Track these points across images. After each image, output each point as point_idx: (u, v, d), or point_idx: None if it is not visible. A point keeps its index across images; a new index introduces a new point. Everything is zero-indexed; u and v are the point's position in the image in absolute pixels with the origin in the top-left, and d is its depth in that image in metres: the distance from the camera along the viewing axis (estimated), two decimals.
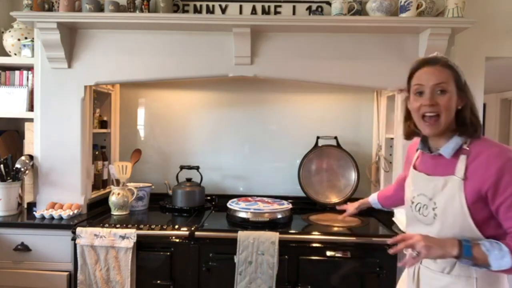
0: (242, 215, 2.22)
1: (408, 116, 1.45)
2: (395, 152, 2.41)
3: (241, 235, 1.98)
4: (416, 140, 1.49)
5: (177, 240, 2.05)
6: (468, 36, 2.56)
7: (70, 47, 2.35)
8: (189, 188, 2.54)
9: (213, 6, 2.43)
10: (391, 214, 2.32)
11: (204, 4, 2.43)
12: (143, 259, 2.05)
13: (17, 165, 2.35)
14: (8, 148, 2.58)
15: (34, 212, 2.27)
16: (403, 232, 2.05)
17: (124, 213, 2.40)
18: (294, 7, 2.42)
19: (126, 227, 2.08)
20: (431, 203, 1.37)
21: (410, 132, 1.47)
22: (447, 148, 1.34)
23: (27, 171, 2.40)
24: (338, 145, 2.69)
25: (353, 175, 2.66)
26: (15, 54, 2.55)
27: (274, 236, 1.98)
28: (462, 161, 1.31)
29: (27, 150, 2.51)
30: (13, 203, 2.34)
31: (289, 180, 2.77)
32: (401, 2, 2.20)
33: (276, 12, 2.42)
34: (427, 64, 1.36)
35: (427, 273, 1.42)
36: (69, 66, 2.35)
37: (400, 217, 2.19)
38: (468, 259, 1.25)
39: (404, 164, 1.77)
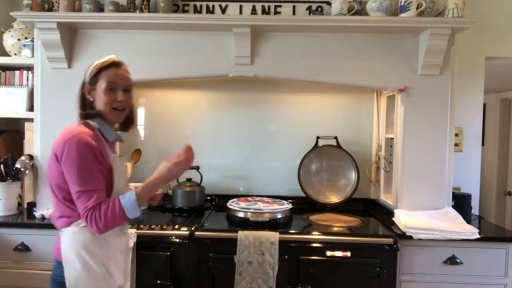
0: (242, 215, 2.22)
1: None
2: (395, 152, 2.41)
3: (241, 235, 1.98)
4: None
5: (177, 240, 2.05)
6: (468, 36, 2.56)
7: (70, 47, 2.35)
8: (189, 188, 2.54)
9: (213, 6, 2.43)
10: (391, 214, 2.33)
11: (204, 4, 2.43)
12: (143, 259, 2.05)
13: (17, 165, 2.35)
14: (8, 148, 2.58)
15: (34, 212, 2.27)
16: (403, 232, 2.05)
17: None
18: (294, 7, 2.42)
19: None
20: None
21: None
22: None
23: (27, 171, 2.40)
24: (338, 145, 2.69)
25: (353, 175, 2.66)
26: (15, 54, 2.55)
27: (274, 236, 1.98)
28: None
29: (27, 150, 2.51)
30: (13, 203, 2.34)
31: (289, 180, 2.77)
32: (401, 2, 2.20)
33: (276, 12, 2.42)
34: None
35: None
36: (69, 66, 2.35)
37: (400, 217, 2.19)
38: None
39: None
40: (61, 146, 1.40)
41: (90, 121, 1.49)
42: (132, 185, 2.54)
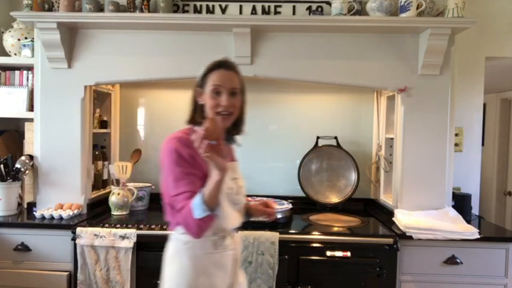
0: None
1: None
2: (395, 152, 2.41)
3: (241, 235, 1.98)
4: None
5: None
6: (468, 36, 2.56)
7: (70, 47, 2.35)
8: None
9: (213, 6, 2.43)
10: (391, 214, 2.33)
11: (204, 4, 2.43)
12: (143, 259, 2.05)
13: (17, 165, 2.35)
14: (8, 148, 2.58)
15: (34, 212, 2.27)
16: (403, 232, 2.05)
17: (124, 213, 2.40)
18: (294, 7, 2.41)
19: (126, 227, 2.08)
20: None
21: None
22: None
23: (27, 171, 2.40)
24: (338, 145, 2.69)
25: (353, 175, 2.66)
26: (15, 54, 2.55)
27: (274, 236, 1.98)
28: None
29: (27, 150, 2.51)
30: (13, 203, 2.34)
31: (289, 180, 2.76)
32: (401, 2, 2.20)
33: (276, 12, 2.42)
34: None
35: None
36: (69, 66, 2.35)
37: (400, 217, 2.19)
38: None
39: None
40: (161, 152, 1.40)
41: (193, 126, 1.45)
42: (131, 185, 2.55)
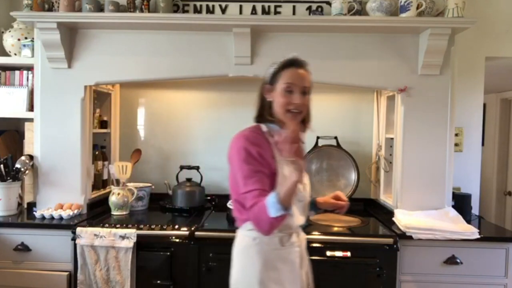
0: None
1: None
2: (395, 152, 2.41)
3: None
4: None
5: (177, 240, 2.05)
6: (468, 36, 2.56)
7: (70, 47, 2.35)
8: (189, 188, 2.54)
9: (213, 6, 2.43)
10: (391, 214, 2.33)
11: (204, 4, 2.43)
12: (143, 259, 2.05)
13: (17, 165, 2.35)
14: (8, 148, 2.58)
15: (34, 212, 2.27)
16: (403, 232, 2.05)
17: (124, 213, 2.40)
18: (294, 7, 2.42)
19: (126, 227, 2.08)
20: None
21: None
22: None
23: (27, 171, 2.40)
24: (338, 145, 2.69)
25: (353, 175, 2.66)
26: (15, 54, 2.55)
27: None
28: None
29: (27, 150, 2.51)
30: (13, 203, 2.34)
31: None
32: (401, 2, 2.20)
33: (276, 12, 2.42)
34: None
35: None
36: (69, 66, 2.35)
37: (400, 217, 2.19)
38: None
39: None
40: (229, 149, 1.44)
41: (261, 124, 1.49)
42: (131, 185, 2.55)
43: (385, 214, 2.42)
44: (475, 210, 2.62)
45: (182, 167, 2.64)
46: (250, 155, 1.36)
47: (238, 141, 1.41)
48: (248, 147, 1.38)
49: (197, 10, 2.44)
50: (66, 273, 2.11)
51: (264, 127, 1.49)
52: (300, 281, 1.50)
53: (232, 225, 2.20)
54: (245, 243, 1.46)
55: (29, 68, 2.51)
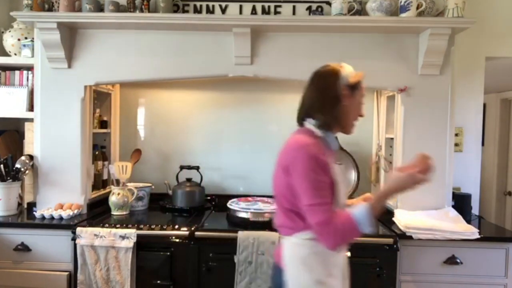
0: (242, 215, 2.22)
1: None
2: (395, 152, 2.41)
3: (241, 235, 1.98)
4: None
5: (177, 240, 2.05)
6: (468, 36, 2.56)
7: (70, 47, 2.35)
8: (189, 188, 2.54)
9: (213, 6, 2.43)
10: (391, 214, 2.33)
11: (204, 4, 2.43)
12: (143, 259, 2.05)
13: (17, 165, 2.35)
14: (8, 148, 2.58)
15: (34, 212, 2.27)
16: (403, 232, 2.05)
17: (124, 213, 2.40)
18: (294, 7, 2.42)
19: (126, 227, 2.08)
20: None
21: None
22: None
23: (27, 171, 2.40)
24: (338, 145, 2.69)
25: (353, 175, 2.66)
26: (15, 54, 2.55)
27: (274, 236, 1.98)
28: None
29: (27, 150, 2.51)
30: (13, 203, 2.34)
31: None
32: (401, 2, 2.20)
33: (276, 12, 2.42)
34: None
35: None
36: (69, 66, 2.35)
37: (400, 217, 2.19)
38: None
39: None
40: (289, 157, 1.39)
41: (313, 129, 1.46)
42: (131, 185, 2.55)
43: (385, 214, 2.41)
44: (475, 210, 2.62)
45: (182, 167, 2.64)
46: (318, 165, 1.34)
47: (306, 149, 1.35)
48: (319, 156, 1.35)
49: (197, 10, 2.44)
50: (66, 273, 2.11)
51: (316, 130, 1.46)
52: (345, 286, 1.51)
53: (232, 225, 2.21)
54: (303, 252, 1.41)
55: (29, 68, 2.51)
